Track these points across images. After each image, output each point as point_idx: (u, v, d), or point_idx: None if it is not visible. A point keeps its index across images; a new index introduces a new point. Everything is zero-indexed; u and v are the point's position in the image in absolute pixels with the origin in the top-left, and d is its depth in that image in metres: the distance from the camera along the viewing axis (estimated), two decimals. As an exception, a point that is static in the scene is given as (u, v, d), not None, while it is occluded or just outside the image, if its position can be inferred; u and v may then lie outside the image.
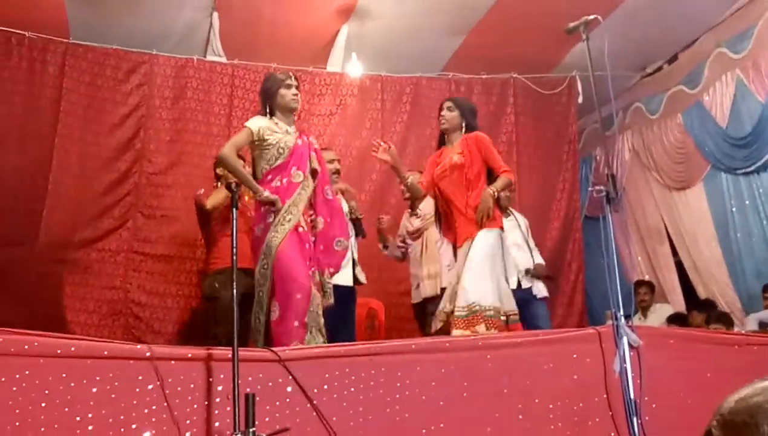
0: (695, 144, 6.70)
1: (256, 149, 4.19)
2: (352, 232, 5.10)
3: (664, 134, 7.13)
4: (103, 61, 6.34)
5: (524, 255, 5.80)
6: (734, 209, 6.39)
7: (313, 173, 4.28)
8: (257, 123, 4.18)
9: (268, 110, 4.26)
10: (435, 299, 5.37)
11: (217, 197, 5.09)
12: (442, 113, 4.64)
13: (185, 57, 6.57)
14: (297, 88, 4.31)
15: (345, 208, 5.04)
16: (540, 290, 5.85)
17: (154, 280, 6.04)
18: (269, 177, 4.17)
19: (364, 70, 6.87)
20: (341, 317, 4.99)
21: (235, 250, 3.26)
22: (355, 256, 5.22)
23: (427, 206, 5.31)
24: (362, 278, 5.27)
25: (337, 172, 5.24)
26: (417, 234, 5.58)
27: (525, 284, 5.73)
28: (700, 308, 6.30)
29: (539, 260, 5.95)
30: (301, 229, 4.10)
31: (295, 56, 6.68)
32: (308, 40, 6.62)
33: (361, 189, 6.68)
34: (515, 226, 5.82)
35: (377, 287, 6.42)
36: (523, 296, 5.41)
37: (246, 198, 4.95)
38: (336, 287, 4.75)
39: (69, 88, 6.16)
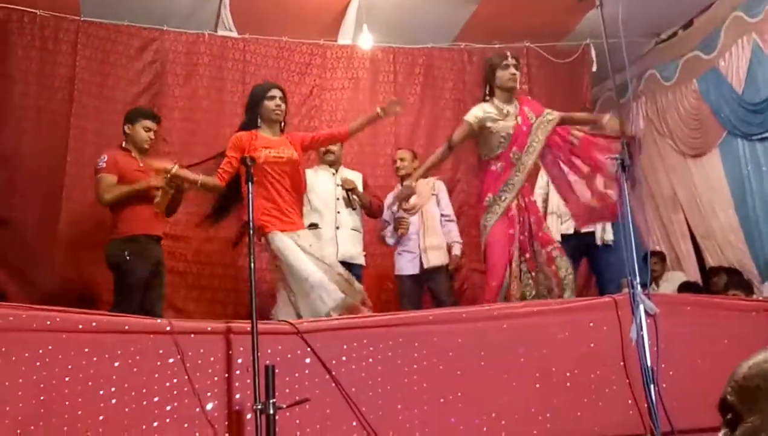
0: (711, 110, 6.62)
1: (479, 136, 4.48)
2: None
3: (679, 101, 7.06)
4: (115, 38, 6.32)
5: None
6: (751, 175, 6.33)
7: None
8: (474, 114, 4.46)
9: (488, 91, 4.54)
10: (438, 270, 5.45)
11: (118, 191, 4.73)
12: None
13: (196, 32, 6.54)
14: (515, 67, 4.53)
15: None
16: (604, 235, 5.34)
17: (176, 259, 5.96)
18: (490, 164, 4.45)
19: (376, 42, 6.83)
20: None
21: (251, 227, 3.27)
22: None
23: (421, 185, 5.34)
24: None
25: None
26: (414, 210, 5.60)
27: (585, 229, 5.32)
28: (723, 273, 6.27)
29: None
30: (512, 213, 4.37)
31: (306, 29, 6.65)
32: (319, 12, 6.57)
33: (376, 164, 6.68)
34: None
35: (393, 261, 6.44)
36: (582, 243, 5.31)
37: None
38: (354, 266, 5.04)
39: (82, 67, 6.16)
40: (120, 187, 4.74)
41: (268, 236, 4.15)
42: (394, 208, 5.42)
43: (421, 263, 5.52)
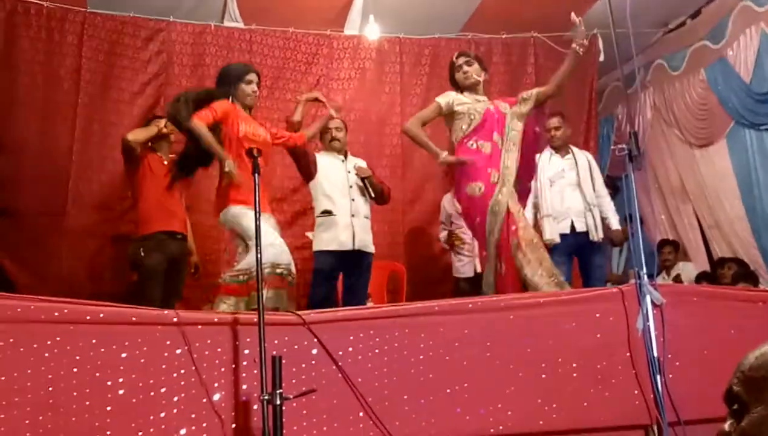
0: (718, 100, 6.60)
1: (448, 120, 4.63)
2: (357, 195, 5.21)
3: (686, 91, 7.03)
4: (121, 29, 6.33)
5: (578, 196, 5.46)
6: (758, 166, 6.31)
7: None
8: (445, 97, 4.63)
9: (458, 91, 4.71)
10: None
11: (140, 133, 5.07)
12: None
13: (202, 23, 6.54)
14: (467, 64, 4.72)
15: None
16: (597, 233, 5.41)
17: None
18: (464, 143, 4.51)
19: (382, 33, 6.81)
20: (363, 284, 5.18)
21: (258, 215, 3.27)
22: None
23: None
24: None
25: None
26: None
27: (579, 228, 5.41)
28: (731, 264, 6.27)
29: (609, 210, 5.56)
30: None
31: (313, 19, 6.64)
32: (325, 2, 6.56)
33: (382, 154, 6.69)
34: (572, 166, 5.56)
35: (400, 251, 6.44)
36: (577, 242, 5.37)
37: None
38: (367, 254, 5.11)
39: (88, 58, 6.17)
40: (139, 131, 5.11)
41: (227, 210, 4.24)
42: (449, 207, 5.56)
43: (476, 267, 5.72)
